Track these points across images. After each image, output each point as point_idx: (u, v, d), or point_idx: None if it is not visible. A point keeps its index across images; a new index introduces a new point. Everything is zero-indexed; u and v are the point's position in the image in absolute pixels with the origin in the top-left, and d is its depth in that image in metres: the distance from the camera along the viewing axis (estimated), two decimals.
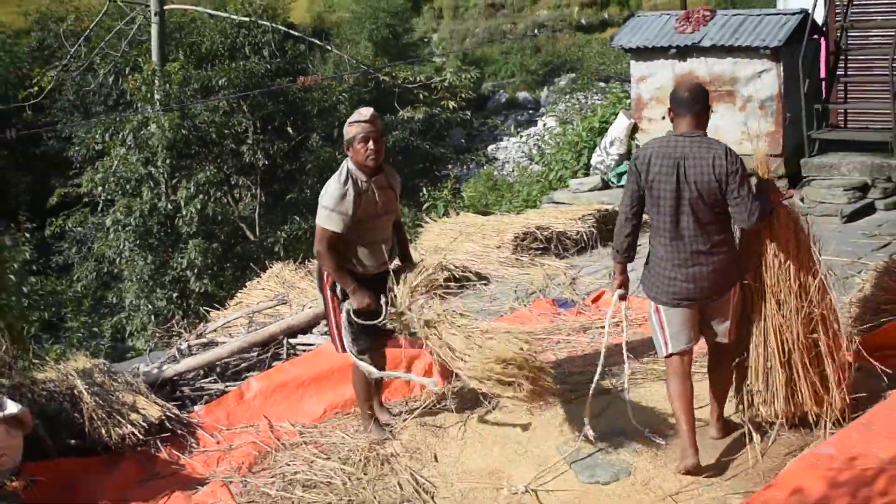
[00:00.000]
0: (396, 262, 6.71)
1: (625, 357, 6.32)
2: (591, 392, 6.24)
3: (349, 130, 6.36)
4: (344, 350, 6.57)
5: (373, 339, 6.62)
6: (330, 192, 6.33)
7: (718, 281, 5.80)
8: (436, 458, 6.34)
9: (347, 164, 6.42)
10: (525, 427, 6.54)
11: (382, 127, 6.58)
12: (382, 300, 6.46)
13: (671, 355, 5.90)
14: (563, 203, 13.08)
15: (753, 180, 5.93)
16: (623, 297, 6.26)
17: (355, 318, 6.39)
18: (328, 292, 6.59)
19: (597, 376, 6.30)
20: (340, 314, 6.50)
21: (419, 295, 6.54)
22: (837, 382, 5.90)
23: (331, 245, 6.32)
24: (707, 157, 5.61)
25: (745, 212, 5.64)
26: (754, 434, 5.95)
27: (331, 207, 6.27)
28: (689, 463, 5.71)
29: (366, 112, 6.39)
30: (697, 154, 5.64)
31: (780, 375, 5.88)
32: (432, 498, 5.84)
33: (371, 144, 6.30)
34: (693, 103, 5.80)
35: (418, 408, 7.04)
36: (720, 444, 6.06)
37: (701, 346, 6.22)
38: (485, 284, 10.08)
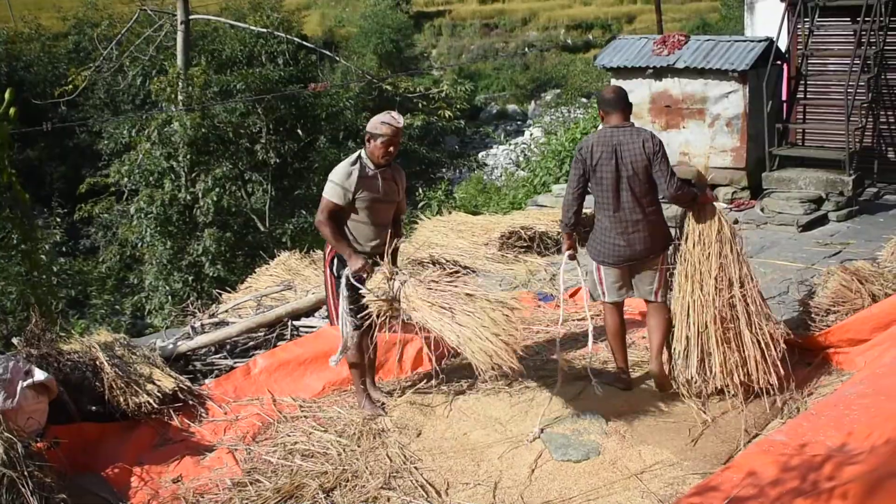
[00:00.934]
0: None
1: (588, 318, 6.94)
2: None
3: (378, 128, 6.36)
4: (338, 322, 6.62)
5: (364, 319, 6.59)
6: (338, 169, 6.43)
7: (650, 244, 6.58)
8: (423, 433, 6.31)
9: (361, 152, 6.49)
10: (505, 408, 6.53)
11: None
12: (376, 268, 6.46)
13: (606, 303, 6.80)
14: (546, 206, 13.05)
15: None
16: (572, 258, 6.90)
17: (354, 283, 6.38)
18: (328, 271, 6.62)
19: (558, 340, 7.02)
20: (338, 289, 6.51)
21: (404, 270, 6.54)
22: (756, 360, 6.38)
23: (330, 215, 6.37)
24: (637, 141, 6.40)
25: (665, 182, 6.39)
26: (682, 390, 6.55)
27: (336, 182, 6.35)
28: (624, 381, 6.78)
29: (398, 119, 6.43)
30: (630, 140, 6.42)
31: (695, 347, 6.51)
32: (418, 469, 5.81)
33: (391, 149, 6.41)
34: (618, 102, 6.62)
35: (409, 387, 7.03)
36: (681, 429, 6.05)
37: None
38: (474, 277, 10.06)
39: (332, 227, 6.40)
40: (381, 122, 6.40)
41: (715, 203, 6.77)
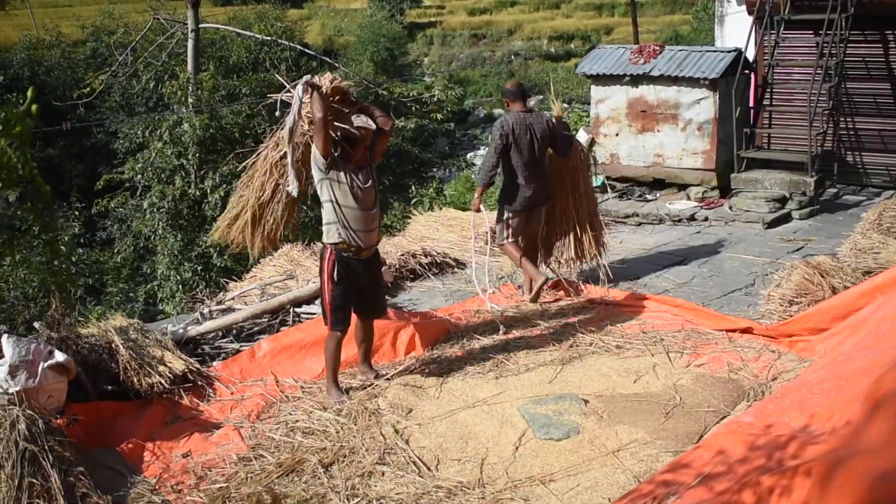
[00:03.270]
0: None
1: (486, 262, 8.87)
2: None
3: None
4: (329, 327, 6.63)
5: (348, 321, 6.68)
6: None
7: (545, 192, 8.66)
8: (414, 413, 6.30)
9: None
10: (491, 390, 6.52)
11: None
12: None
13: (513, 241, 8.64)
14: None
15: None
16: (478, 211, 8.76)
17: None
18: (325, 276, 6.55)
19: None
20: (332, 292, 6.52)
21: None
22: (590, 248, 8.98)
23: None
24: (543, 122, 8.42)
25: (567, 148, 8.66)
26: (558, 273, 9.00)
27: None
28: (539, 281, 8.33)
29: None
30: (538, 121, 8.41)
31: (570, 241, 8.99)
32: (410, 446, 5.80)
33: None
34: (521, 94, 8.66)
35: (402, 370, 7.02)
36: (654, 410, 6.05)
37: None
38: (462, 269, 10.04)
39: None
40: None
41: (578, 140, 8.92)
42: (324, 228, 6.53)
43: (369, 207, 6.48)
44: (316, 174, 6.43)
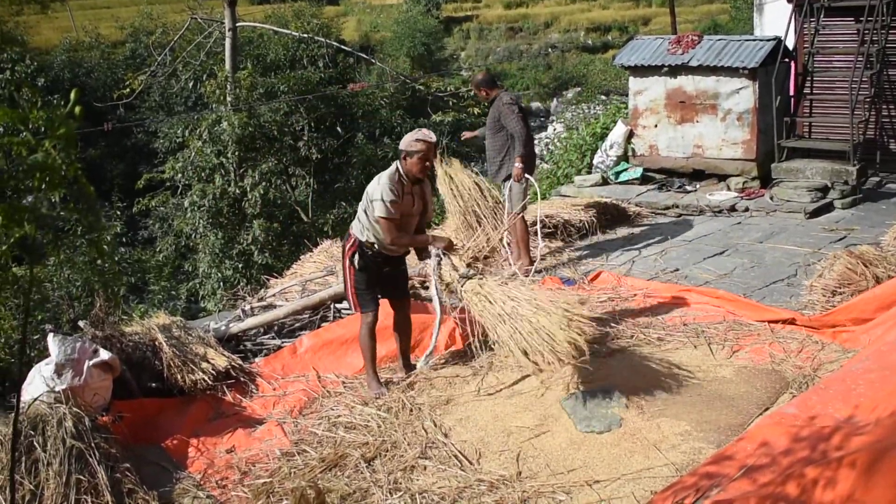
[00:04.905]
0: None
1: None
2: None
3: (413, 145, 6.42)
4: (357, 309, 6.77)
5: (377, 301, 6.81)
6: (384, 188, 6.44)
7: None
8: (456, 407, 6.32)
9: (398, 166, 6.54)
10: (531, 383, 6.52)
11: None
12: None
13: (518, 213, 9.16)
14: (569, 196, 12.97)
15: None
16: (522, 180, 9.16)
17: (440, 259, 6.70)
18: (346, 262, 6.69)
19: None
20: (356, 278, 6.65)
21: (462, 267, 6.69)
22: None
23: (397, 228, 6.50)
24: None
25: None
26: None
27: (386, 200, 6.40)
28: (531, 269, 8.96)
29: (431, 136, 6.53)
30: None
31: None
32: (452, 440, 5.82)
33: (427, 164, 6.52)
34: (494, 80, 9.57)
35: (442, 365, 7.04)
36: (696, 403, 6.03)
37: None
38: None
39: (403, 236, 6.56)
40: (415, 140, 6.44)
41: None
42: (358, 222, 6.62)
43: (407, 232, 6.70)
44: (376, 208, 6.49)
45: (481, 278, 6.65)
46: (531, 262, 9.26)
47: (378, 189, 6.43)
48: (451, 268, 6.69)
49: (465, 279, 6.60)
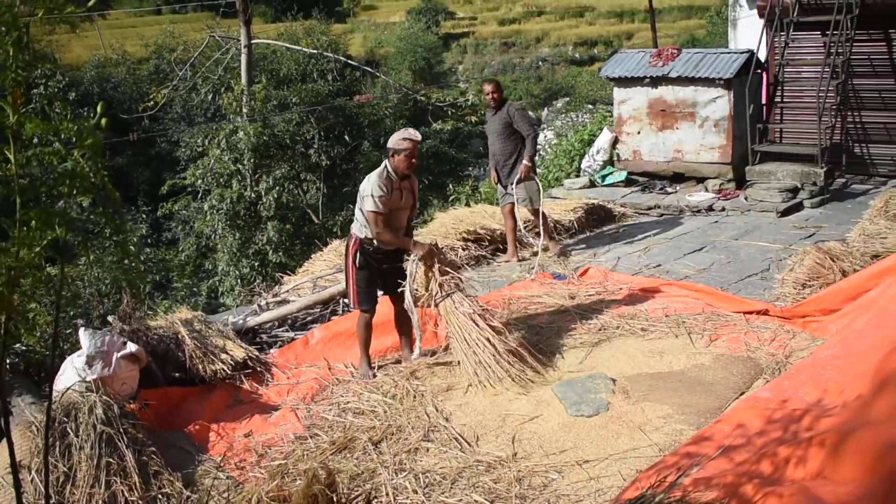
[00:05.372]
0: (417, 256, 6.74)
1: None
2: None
3: (400, 143, 6.41)
4: (357, 306, 6.78)
5: (374, 300, 6.82)
6: (373, 185, 6.43)
7: None
8: (456, 393, 6.32)
9: (386, 164, 6.55)
10: (526, 370, 6.51)
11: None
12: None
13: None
14: (559, 198, 12.96)
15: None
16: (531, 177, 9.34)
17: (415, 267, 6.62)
18: (350, 261, 6.68)
19: None
20: (357, 276, 6.65)
21: (435, 284, 6.67)
22: None
23: (385, 223, 6.44)
24: None
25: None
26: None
27: (376, 196, 6.38)
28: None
29: (416, 134, 6.52)
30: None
31: None
32: (452, 424, 5.82)
33: (413, 160, 6.52)
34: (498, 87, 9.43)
35: (444, 353, 7.03)
36: (678, 388, 6.03)
37: None
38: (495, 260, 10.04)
39: (388, 232, 6.47)
40: (402, 139, 6.46)
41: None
42: (356, 221, 6.65)
43: (399, 228, 6.64)
44: (367, 203, 6.46)
45: (454, 301, 6.62)
46: (557, 242, 9.90)
47: (369, 186, 6.44)
48: (423, 281, 6.69)
49: (440, 297, 6.60)
